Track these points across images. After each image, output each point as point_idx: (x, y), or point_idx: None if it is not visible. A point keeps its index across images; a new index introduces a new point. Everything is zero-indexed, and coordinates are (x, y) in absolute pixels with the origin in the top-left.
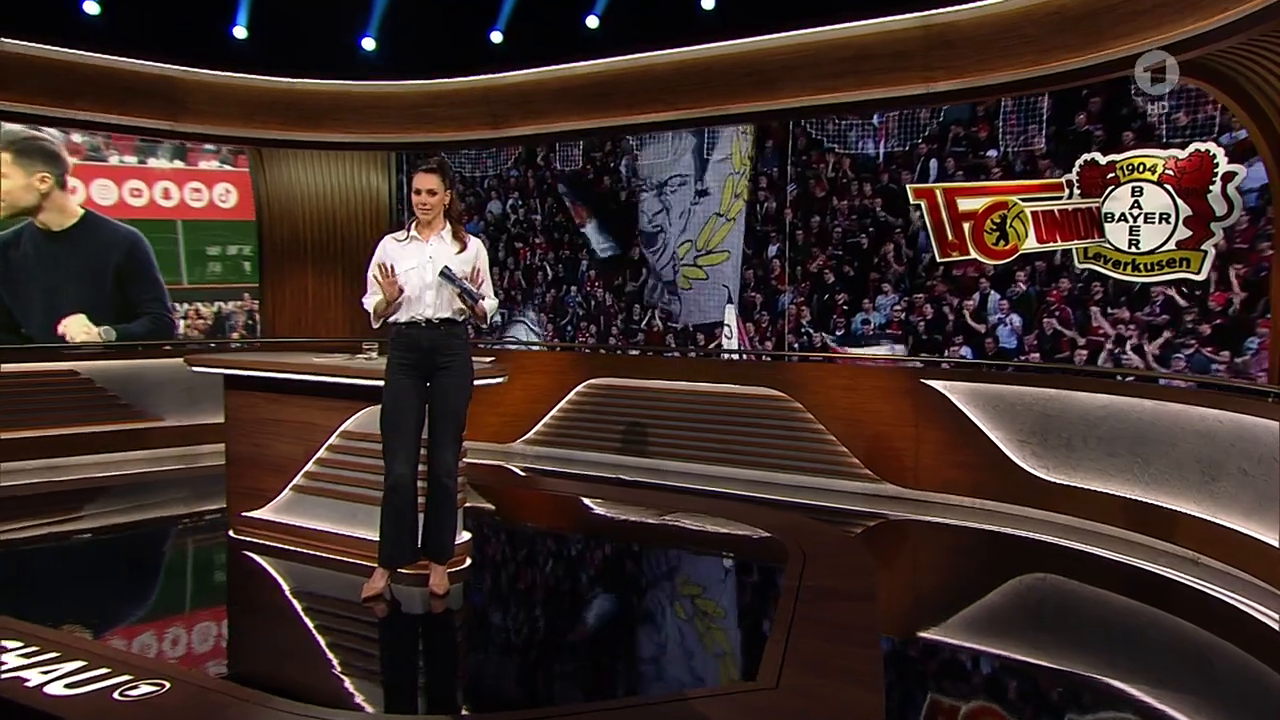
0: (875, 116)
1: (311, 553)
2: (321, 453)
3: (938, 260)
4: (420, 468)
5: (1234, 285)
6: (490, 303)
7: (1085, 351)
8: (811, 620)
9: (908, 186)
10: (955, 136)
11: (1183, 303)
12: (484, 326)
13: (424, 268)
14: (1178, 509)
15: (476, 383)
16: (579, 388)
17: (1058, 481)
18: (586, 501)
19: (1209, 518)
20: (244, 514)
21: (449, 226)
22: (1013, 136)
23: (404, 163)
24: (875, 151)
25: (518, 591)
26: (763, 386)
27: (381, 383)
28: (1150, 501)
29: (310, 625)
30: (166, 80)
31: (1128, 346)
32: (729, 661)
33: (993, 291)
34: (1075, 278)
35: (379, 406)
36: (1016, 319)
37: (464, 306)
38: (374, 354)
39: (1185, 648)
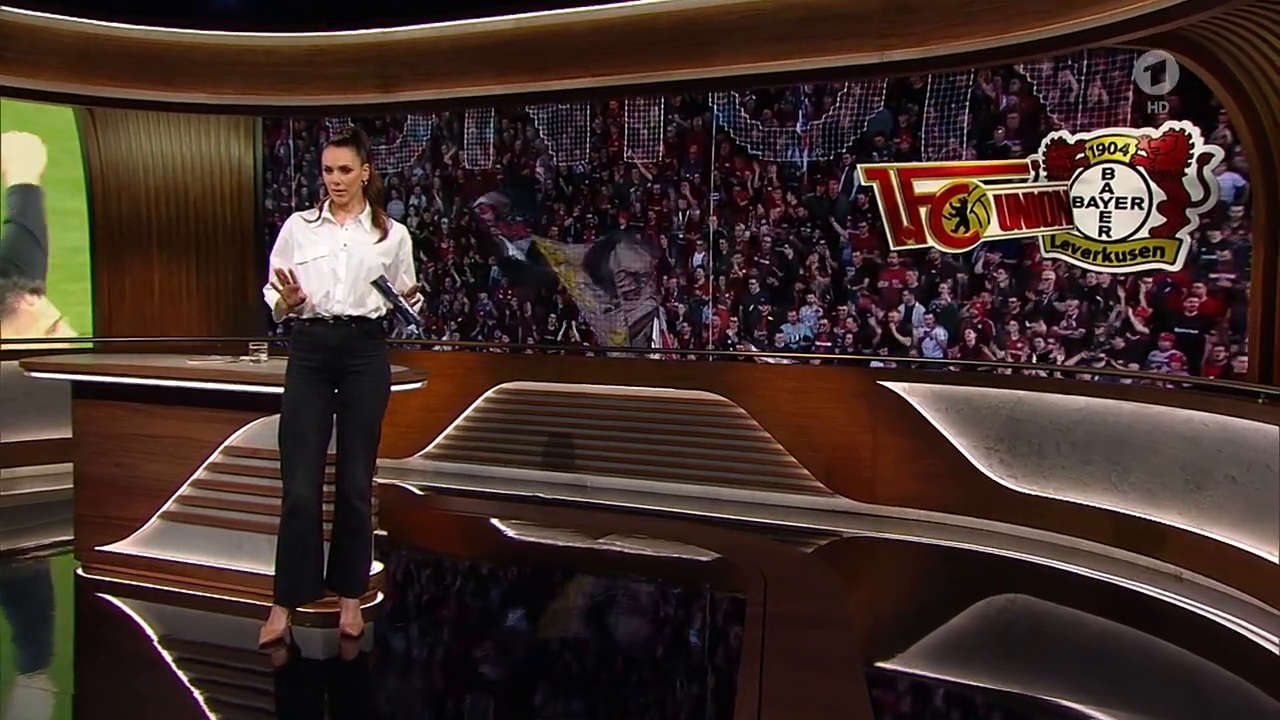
0: (799, 124)
1: (187, 592)
2: (201, 473)
3: (892, 248)
4: (326, 488)
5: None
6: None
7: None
8: (784, 652)
9: (859, 167)
10: (878, 144)
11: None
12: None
13: (335, 256)
14: (1160, 520)
15: (393, 388)
16: (487, 394)
17: (1028, 492)
18: (504, 524)
19: (1195, 529)
20: (99, 548)
21: (368, 209)
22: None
23: (291, 132)
24: (800, 160)
25: (441, 631)
26: (701, 390)
27: (277, 389)
28: (1130, 513)
29: (184, 679)
30: None
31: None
32: (700, 705)
33: (917, 304)
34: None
35: (274, 417)
36: (941, 332)
37: (388, 306)
38: (264, 356)
39: (1172, 673)
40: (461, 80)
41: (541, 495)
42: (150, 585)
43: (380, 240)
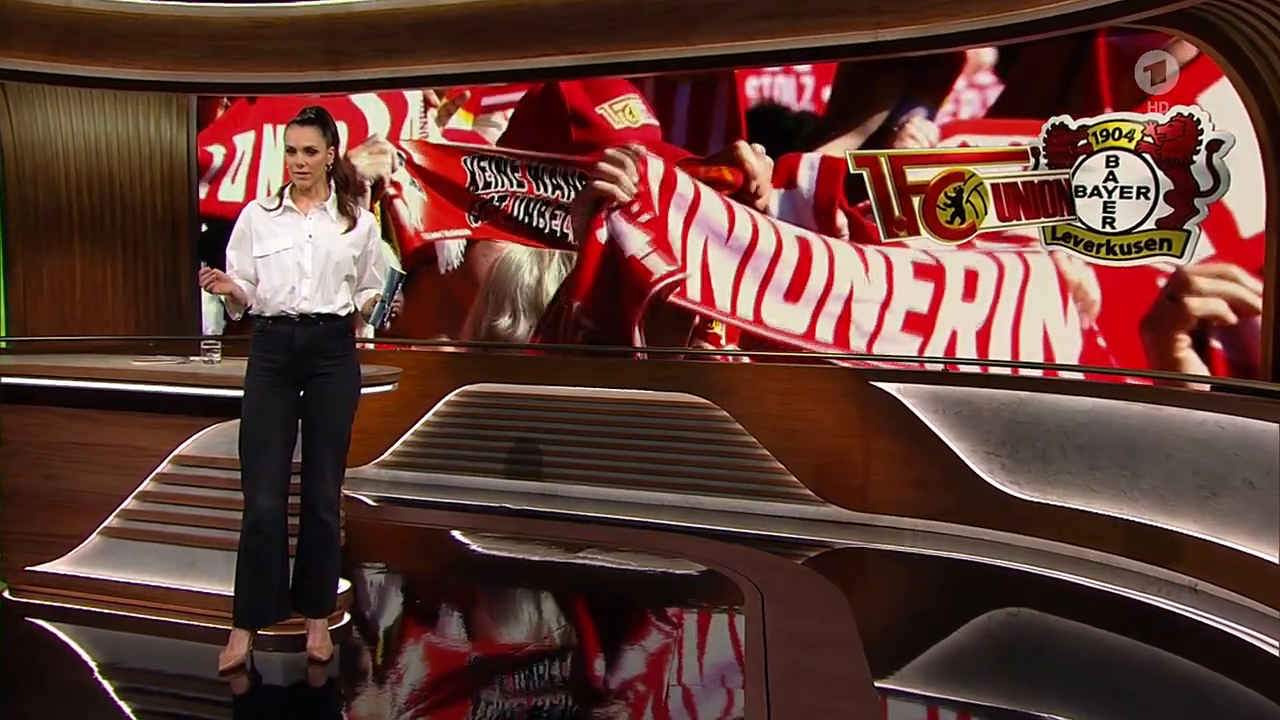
0: None
1: (132, 615)
2: (147, 484)
3: (883, 240)
4: (290, 499)
5: None
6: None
7: None
8: (791, 673)
9: (848, 154)
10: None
11: None
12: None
13: (300, 249)
14: (1173, 529)
15: (363, 390)
16: (449, 396)
17: (1031, 499)
18: (473, 537)
19: (1210, 538)
20: (29, 568)
21: (333, 195)
22: None
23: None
24: None
25: (415, 653)
26: (681, 392)
27: (235, 392)
28: (1140, 521)
29: (128, 712)
30: None
31: None
32: None
33: None
34: None
35: (232, 423)
36: None
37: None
38: (217, 356)
39: (1187, 690)
40: (421, 57)
41: (509, 506)
42: (89, 609)
43: (348, 230)
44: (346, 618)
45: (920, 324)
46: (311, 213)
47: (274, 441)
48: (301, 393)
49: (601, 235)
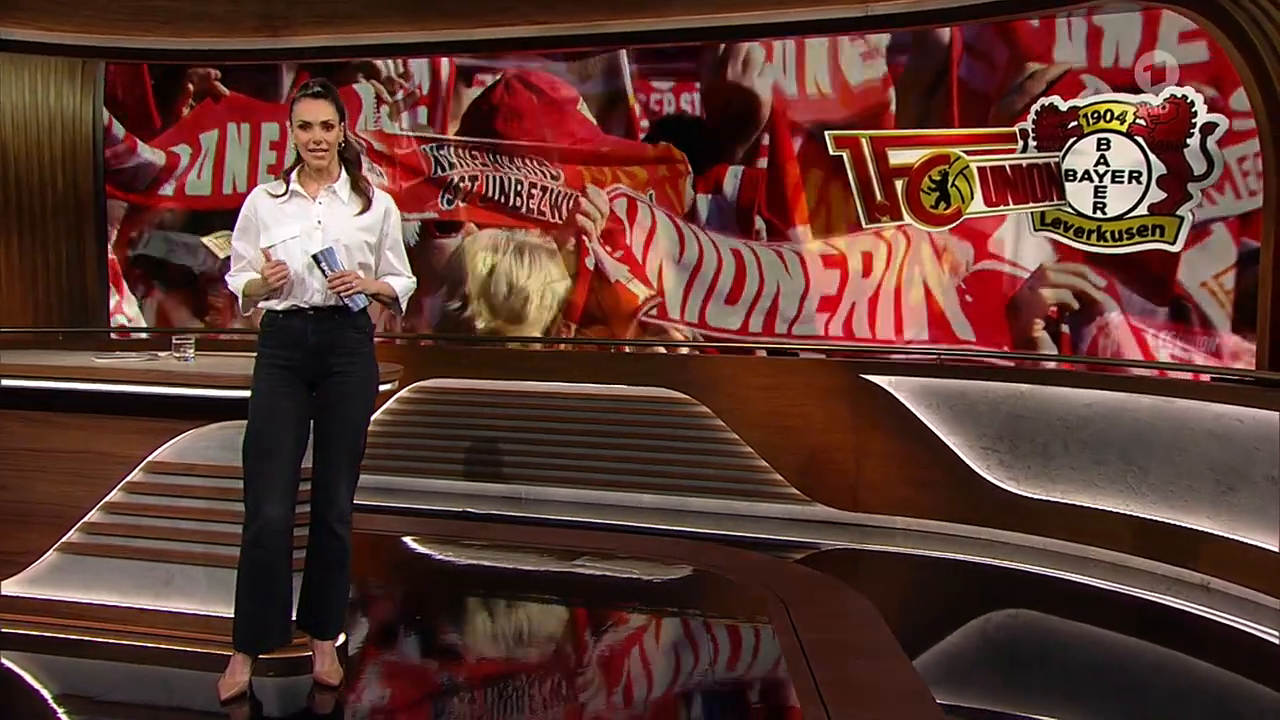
0: None
1: (94, 640)
2: (115, 495)
3: (864, 225)
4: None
5: None
6: (404, 283)
7: None
8: (843, 688)
9: (827, 134)
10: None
11: None
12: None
13: (310, 236)
14: (1185, 525)
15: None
16: (402, 393)
17: (1032, 496)
18: (446, 547)
19: (1226, 534)
20: None
21: (344, 175)
22: None
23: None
24: None
25: (427, 675)
26: (659, 387)
27: (220, 393)
28: (1148, 517)
29: None
30: None
31: None
32: None
33: None
34: None
35: (210, 428)
36: None
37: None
38: (191, 353)
39: (1202, 691)
40: (367, 24)
41: (473, 510)
42: (43, 634)
43: (362, 212)
44: (342, 638)
45: (830, 303)
46: (321, 196)
47: (284, 447)
48: (314, 392)
49: (589, 263)
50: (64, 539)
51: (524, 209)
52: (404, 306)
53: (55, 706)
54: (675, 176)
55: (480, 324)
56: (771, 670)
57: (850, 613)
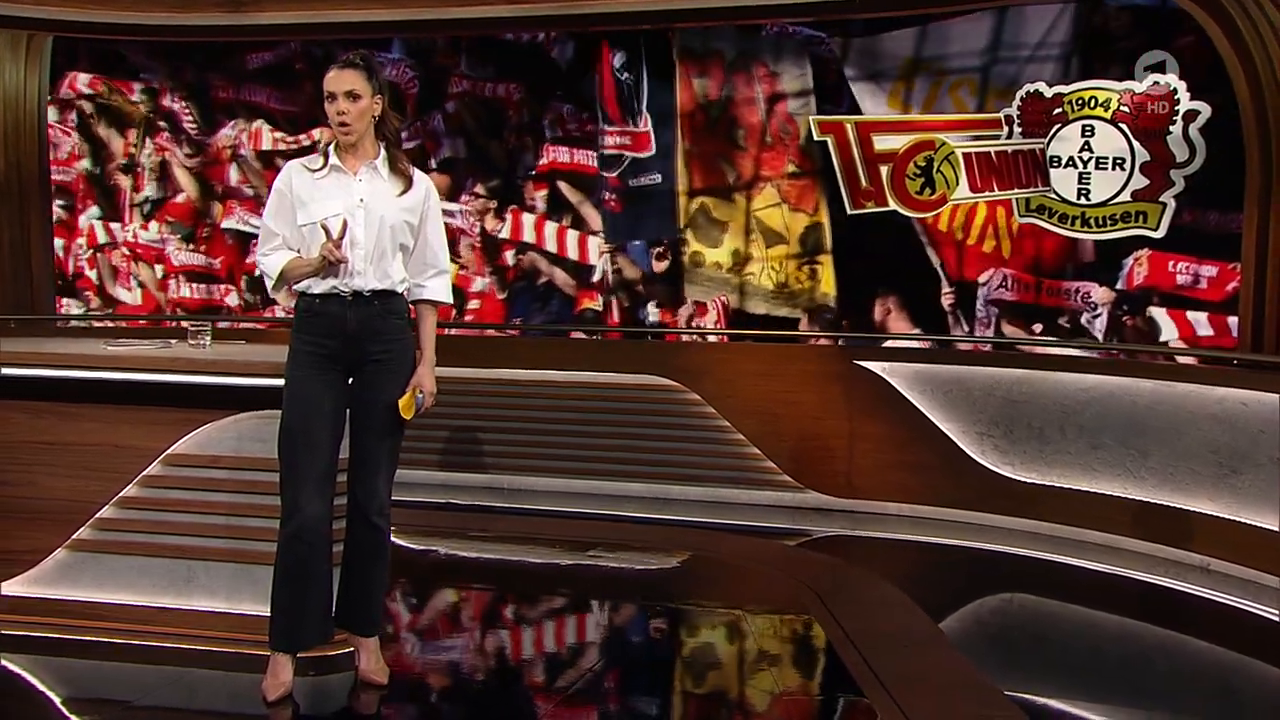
0: None
1: (109, 641)
2: (131, 489)
3: (849, 212)
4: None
5: None
6: (442, 284)
7: None
8: (906, 678)
9: (811, 119)
10: None
11: None
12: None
13: (352, 214)
14: (1185, 507)
15: None
16: None
17: (1028, 481)
18: (448, 539)
19: (1227, 516)
20: None
21: (383, 153)
22: None
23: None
24: None
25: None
26: (649, 374)
27: (244, 381)
28: (1149, 500)
29: None
30: None
31: None
32: None
33: None
34: None
35: (234, 419)
36: None
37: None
38: (207, 339)
39: (1203, 671)
40: (339, 1)
41: (456, 501)
42: (53, 635)
43: (404, 192)
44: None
45: None
46: (362, 172)
47: (322, 437)
48: (351, 381)
49: None
50: (74, 536)
51: None
52: (450, 298)
53: (64, 709)
54: None
55: None
56: (823, 663)
57: (885, 602)
